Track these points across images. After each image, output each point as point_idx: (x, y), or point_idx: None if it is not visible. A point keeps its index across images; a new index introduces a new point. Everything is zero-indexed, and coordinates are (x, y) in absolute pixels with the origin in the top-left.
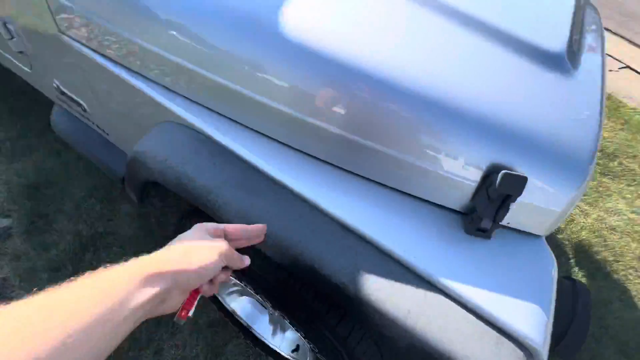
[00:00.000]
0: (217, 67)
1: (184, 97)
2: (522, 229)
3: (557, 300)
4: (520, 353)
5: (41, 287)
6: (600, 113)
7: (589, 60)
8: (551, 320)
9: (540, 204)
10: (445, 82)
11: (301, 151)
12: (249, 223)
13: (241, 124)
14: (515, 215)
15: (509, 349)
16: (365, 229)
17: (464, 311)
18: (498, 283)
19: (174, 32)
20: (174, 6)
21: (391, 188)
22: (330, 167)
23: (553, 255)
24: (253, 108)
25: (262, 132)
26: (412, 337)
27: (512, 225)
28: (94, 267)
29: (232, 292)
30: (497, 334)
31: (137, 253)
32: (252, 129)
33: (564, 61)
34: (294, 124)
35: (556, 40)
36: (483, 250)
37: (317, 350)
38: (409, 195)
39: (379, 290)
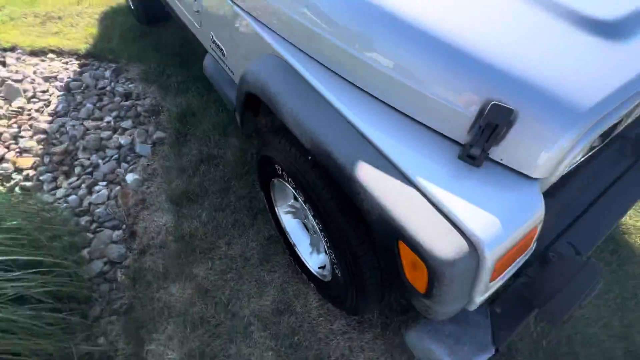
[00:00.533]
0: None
1: (284, 39)
2: (515, 167)
3: (562, 272)
4: (464, 245)
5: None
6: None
7: None
8: (509, 242)
9: (530, 142)
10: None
11: (342, 77)
12: (297, 121)
13: (309, 57)
14: (508, 152)
15: (455, 240)
16: (375, 137)
17: (431, 206)
18: (474, 200)
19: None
20: None
21: (407, 116)
22: (363, 94)
23: (542, 202)
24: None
25: (318, 59)
26: (383, 211)
27: (505, 162)
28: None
29: (288, 212)
30: (451, 227)
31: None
32: (312, 58)
33: (607, 27)
34: (343, 57)
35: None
36: (471, 174)
37: (337, 265)
38: (420, 123)
39: (368, 174)
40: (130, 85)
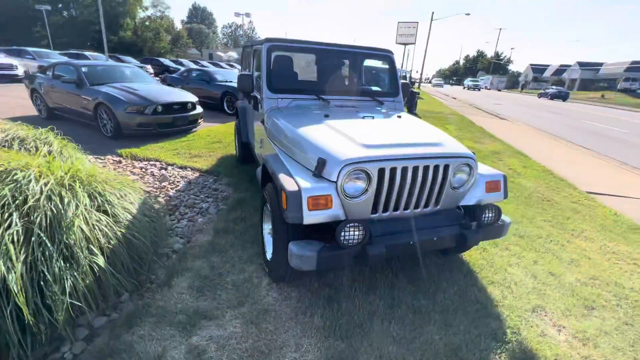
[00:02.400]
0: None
1: (279, 148)
2: (326, 177)
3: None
4: (297, 189)
5: (219, 223)
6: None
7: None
8: (313, 194)
9: (329, 169)
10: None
11: (289, 156)
12: (272, 170)
13: (284, 152)
14: (324, 172)
15: (295, 188)
16: (289, 168)
17: (295, 182)
18: (311, 183)
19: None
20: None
21: (301, 164)
22: (292, 160)
23: (333, 189)
24: (286, 148)
25: (285, 152)
26: (280, 185)
27: (324, 175)
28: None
29: (268, 232)
30: (297, 186)
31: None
32: (284, 152)
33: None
34: (291, 151)
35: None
36: (313, 179)
37: (274, 251)
38: (304, 166)
39: (282, 176)
40: (218, 185)
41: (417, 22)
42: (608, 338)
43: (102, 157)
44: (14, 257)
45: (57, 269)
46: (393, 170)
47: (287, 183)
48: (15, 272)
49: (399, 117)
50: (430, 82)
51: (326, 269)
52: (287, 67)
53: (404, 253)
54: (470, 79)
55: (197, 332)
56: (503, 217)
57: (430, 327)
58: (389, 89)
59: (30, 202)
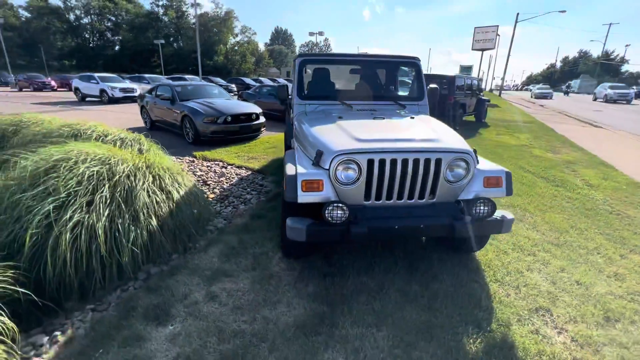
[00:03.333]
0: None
1: (300, 149)
2: (322, 165)
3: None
4: (295, 174)
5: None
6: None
7: None
8: (307, 178)
9: (324, 159)
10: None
11: (302, 151)
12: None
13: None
14: (321, 162)
15: (294, 173)
16: (297, 159)
17: (295, 169)
18: (309, 170)
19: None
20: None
21: (307, 155)
22: (303, 154)
23: (326, 175)
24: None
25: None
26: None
27: (321, 164)
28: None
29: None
30: (295, 171)
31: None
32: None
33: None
34: (304, 147)
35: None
36: (313, 167)
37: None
38: (308, 156)
39: (288, 165)
40: (264, 182)
41: (497, 26)
42: (618, 350)
43: (181, 158)
44: (101, 212)
45: (126, 225)
46: (382, 162)
47: (289, 170)
48: (100, 222)
49: (412, 118)
50: (518, 89)
51: (315, 242)
52: (317, 77)
53: (389, 236)
54: (539, 85)
55: (216, 283)
56: (503, 212)
57: (412, 307)
58: (414, 94)
59: (116, 178)
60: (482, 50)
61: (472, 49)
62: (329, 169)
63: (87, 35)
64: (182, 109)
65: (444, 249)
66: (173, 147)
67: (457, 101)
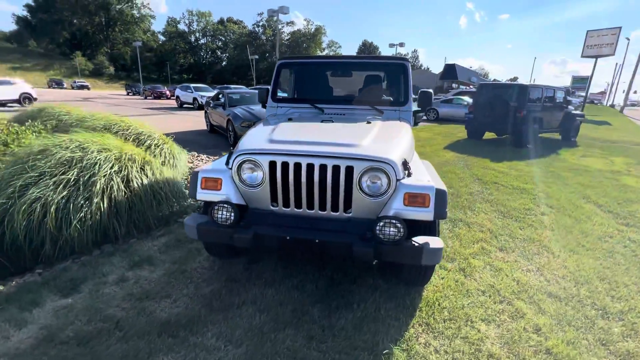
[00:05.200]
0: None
1: None
2: None
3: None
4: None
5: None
6: None
7: None
8: (205, 175)
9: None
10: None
11: None
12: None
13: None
14: None
15: (262, 142)
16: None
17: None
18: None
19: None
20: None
21: None
22: None
23: (223, 176)
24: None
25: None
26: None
27: None
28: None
29: None
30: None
31: None
32: None
33: None
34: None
35: None
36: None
37: None
38: None
39: None
40: None
41: (620, 28)
42: None
43: (210, 157)
44: (59, 191)
45: (78, 205)
46: (285, 165)
47: (204, 166)
48: (55, 200)
49: (368, 122)
50: None
51: (208, 241)
52: (293, 80)
53: (281, 246)
54: None
55: (135, 269)
56: (429, 239)
57: (295, 332)
58: (397, 98)
59: (83, 164)
60: (596, 57)
61: (582, 56)
62: (232, 169)
63: (202, 53)
64: (229, 114)
65: (390, 275)
66: (211, 148)
67: (530, 115)
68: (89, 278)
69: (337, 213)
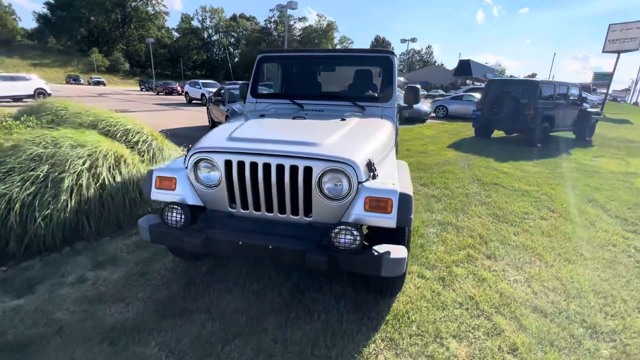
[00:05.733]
0: None
1: None
2: None
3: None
4: (221, 141)
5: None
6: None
7: None
8: (160, 175)
9: None
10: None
11: None
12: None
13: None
14: None
15: (220, 139)
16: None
17: None
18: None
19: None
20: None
21: None
22: None
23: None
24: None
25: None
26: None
27: None
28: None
29: None
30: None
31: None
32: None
33: None
34: None
35: None
36: None
37: None
38: None
39: None
40: None
41: None
42: None
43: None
44: (25, 188)
45: (45, 202)
46: (241, 165)
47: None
48: (19, 197)
49: (343, 120)
50: None
51: (161, 243)
52: (275, 75)
53: (233, 252)
54: None
55: (97, 270)
56: (390, 248)
57: (241, 343)
58: (380, 94)
59: (52, 160)
60: (619, 52)
61: (603, 51)
62: (187, 167)
63: (214, 50)
64: (227, 109)
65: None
66: None
67: (540, 113)
68: (48, 278)
69: (298, 217)
